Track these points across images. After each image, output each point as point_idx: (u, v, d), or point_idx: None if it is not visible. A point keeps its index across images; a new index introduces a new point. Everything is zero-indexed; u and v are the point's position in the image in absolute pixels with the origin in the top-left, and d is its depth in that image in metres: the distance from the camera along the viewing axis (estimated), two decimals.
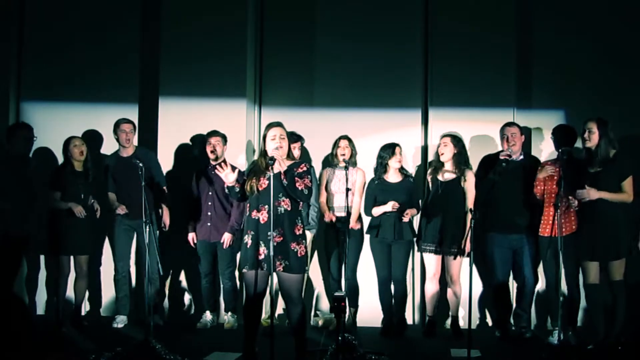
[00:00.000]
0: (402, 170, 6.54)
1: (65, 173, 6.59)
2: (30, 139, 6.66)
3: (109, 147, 7.11)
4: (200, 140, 6.97)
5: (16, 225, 6.40)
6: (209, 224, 6.65)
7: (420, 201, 6.58)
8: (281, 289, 5.17)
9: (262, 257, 5.05)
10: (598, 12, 7.02)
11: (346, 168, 5.91)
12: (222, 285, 6.74)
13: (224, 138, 6.72)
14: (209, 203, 6.65)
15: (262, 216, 5.08)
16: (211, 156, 6.67)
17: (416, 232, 6.48)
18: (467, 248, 6.06)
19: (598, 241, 5.66)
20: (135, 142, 6.86)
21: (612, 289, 5.71)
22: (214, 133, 6.69)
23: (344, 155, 6.50)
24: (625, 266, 5.71)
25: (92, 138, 7.15)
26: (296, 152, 6.45)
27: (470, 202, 6.33)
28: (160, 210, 6.82)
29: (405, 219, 6.29)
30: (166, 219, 6.81)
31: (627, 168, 5.71)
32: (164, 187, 6.80)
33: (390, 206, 6.32)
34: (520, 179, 6.25)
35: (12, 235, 6.38)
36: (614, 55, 6.97)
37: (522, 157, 6.38)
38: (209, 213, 6.65)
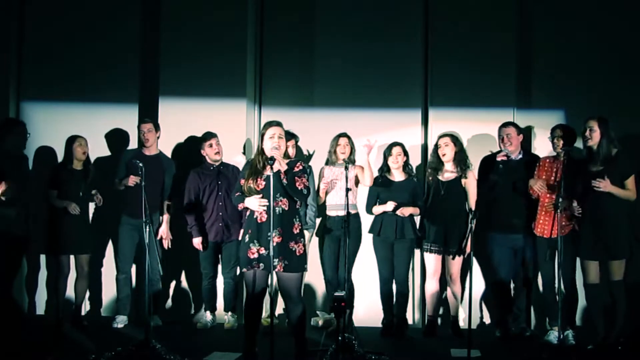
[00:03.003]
0: (406, 169, 6.53)
1: (64, 171, 6.58)
2: (24, 135, 6.62)
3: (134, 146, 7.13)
4: (196, 142, 6.95)
5: (17, 225, 6.38)
6: (220, 224, 6.62)
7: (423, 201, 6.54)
8: (280, 289, 5.19)
9: (255, 255, 5.06)
10: (598, 12, 7.02)
11: (346, 168, 5.90)
12: (223, 285, 6.73)
13: (218, 137, 6.73)
14: (220, 203, 6.62)
15: (260, 216, 5.09)
16: (216, 157, 6.67)
17: (418, 231, 6.46)
18: (468, 248, 6.07)
19: (598, 240, 5.66)
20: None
21: (611, 289, 5.70)
22: (212, 134, 6.69)
23: (344, 153, 6.47)
24: (625, 266, 5.70)
25: (119, 137, 7.22)
26: (291, 150, 6.45)
27: (471, 201, 6.35)
28: (161, 218, 6.78)
29: (403, 212, 6.28)
30: (165, 232, 6.77)
31: (629, 167, 5.71)
32: (166, 201, 6.81)
33: (390, 206, 6.32)
34: (519, 177, 6.25)
35: (13, 235, 6.36)
36: (614, 55, 6.97)
37: (520, 156, 6.38)
38: (220, 213, 6.62)
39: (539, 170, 6.11)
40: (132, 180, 6.53)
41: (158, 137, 6.86)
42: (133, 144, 7.18)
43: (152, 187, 6.35)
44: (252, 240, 5.09)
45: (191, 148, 7.08)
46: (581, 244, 5.77)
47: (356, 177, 6.46)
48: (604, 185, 5.59)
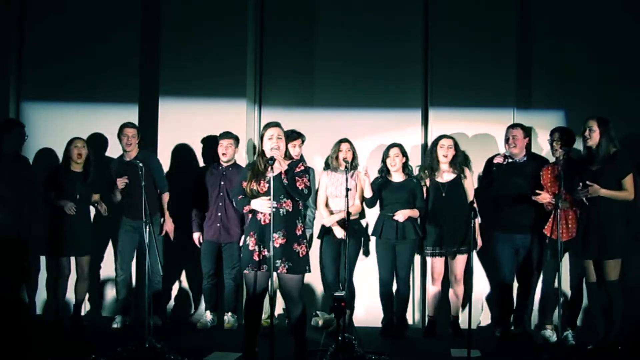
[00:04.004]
0: (405, 170, 6.52)
1: (62, 173, 6.57)
2: (22, 136, 6.61)
3: (113, 149, 7.10)
4: (208, 140, 6.96)
5: (14, 227, 6.37)
6: (218, 224, 6.63)
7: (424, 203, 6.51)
8: (282, 289, 5.20)
9: (260, 258, 5.05)
10: (598, 13, 7.02)
11: (347, 169, 5.89)
12: (225, 285, 6.73)
13: (237, 140, 6.73)
14: (220, 203, 6.63)
15: (264, 217, 5.08)
16: (223, 158, 6.68)
17: (420, 232, 6.41)
18: (479, 242, 6.19)
19: (595, 240, 5.65)
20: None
21: (607, 289, 5.69)
22: (227, 135, 6.69)
23: (346, 159, 6.42)
24: (621, 266, 5.69)
25: (98, 141, 7.18)
26: (297, 150, 6.44)
27: (471, 199, 6.34)
28: (162, 218, 6.77)
29: (397, 218, 6.28)
30: (169, 225, 6.78)
31: (627, 166, 5.70)
32: (166, 192, 6.79)
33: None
34: (523, 179, 6.25)
35: (11, 240, 6.35)
36: (614, 56, 6.97)
37: (525, 157, 6.38)
38: (219, 213, 6.64)
39: (543, 179, 6.10)
40: (120, 182, 6.52)
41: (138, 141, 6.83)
42: (112, 148, 7.13)
43: (139, 192, 6.25)
44: (258, 243, 5.08)
45: (191, 148, 7.09)
46: (579, 244, 5.77)
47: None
48: (593, 191, 5.58)
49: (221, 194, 6.65)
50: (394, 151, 6.45)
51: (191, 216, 6.80)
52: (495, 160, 6.19)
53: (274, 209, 5.01)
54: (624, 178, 5.66)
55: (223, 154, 6.67)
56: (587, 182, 5.58)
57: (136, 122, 6.99)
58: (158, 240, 6.61)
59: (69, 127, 7.00)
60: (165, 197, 6.80)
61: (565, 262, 6.13)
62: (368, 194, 6.37)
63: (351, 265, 6.35)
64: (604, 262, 5.64)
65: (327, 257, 6.51)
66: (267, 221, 5.02)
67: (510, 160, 6.25)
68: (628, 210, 5.78)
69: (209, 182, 6.71)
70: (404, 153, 6.50)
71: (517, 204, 6.23)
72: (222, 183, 6.65)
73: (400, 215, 6.30)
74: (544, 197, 5.95)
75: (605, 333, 5.69)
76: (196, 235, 6.74)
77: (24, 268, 6.70)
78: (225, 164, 6.71)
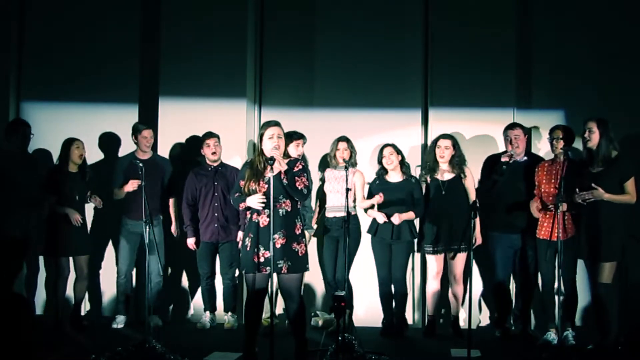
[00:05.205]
0: (403, 169, 6.52)
1: (61, 175, 6.57)
2: (28, 135, 6.64)
3: (125, 149, 7.12)
4: (195, 142, 6.95)
5: (16, 224, 6.38)
6: (216, 224, 6.62)
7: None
8: (281, 288, 5.19)
9: (262, 259, 5.05)
10: (598, 12, 7.02)
11: (346, 168, 5.90)
12: (222, 286, 6.73)
13: (219, 138, 6.73)
14: (216, 204, 6.62)
15: (262, 220, 5.08)
16: (212, 157, 6.67)
17: (416, 233, 6.46)
18: (479, 240, 6.23)
19: (592, 241, 5.64)
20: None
21: (599, 292, 5.66)
22: (211, 134, 6.69)
23: (343, 157, 6.46)
24: (615, 270, 5.66)
25: (111, 140, 7.22)
26: (299, 150, 6.45)
27: (472, 199, 6.33)
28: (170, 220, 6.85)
29: (393, 220, 6.29)
30: (174, 227, 6.87)
31: (629, 169, 5.69)
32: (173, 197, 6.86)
33: (375, 200, 6.30)
34: (523, 179, 6.25)
35: (13, 236, 6.36)
36: (614, 55, 6.96)
37: (525, 157, 6.38)
38: (216, 214, 6.62)
39: (538, 175, 6.10)
40: (133, 184, 6.51)
41: None
42: (125, 147, 7.15)
43: (151, 190, 6.38)
44: (258, 244, 5.07)
45: (191, 148, 7.09)
46: (579, 245, 5.77)
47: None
48: (597, 195, 5.57)
49: (216, 194, 6.63)
50: (388, 150, 6.46)
51: (183, 221, 6.76)
52: (504, 158, 6.17)
53: (263, 204, 5.01)
54: (627, 181, 5.65)
55: (213, 153, 6.66)
56: (593, 185, 5.58)
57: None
58: (160, 241, 6.62)
59: (69, 127, 7.00)
60: (172, 201, 6.85)
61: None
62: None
63: (350, 263, 6.35)
64: (600, 264, 5.63)
65: (326, 256, 6.53)
66: (266, 223, 5.02)
67: (510, 159, 6.24)
68: (627, 212, 5.77)
69: (200, 184, 6.68)
70: (398, 151, 6.50)
71: (515, 204, 6.23)
72: (216, 183, 6.64)
73: (396, 218, 6.30)
74: (533, 204, 5.98)
75: (605, 333, 5.68)
76: (192, 241, 6.70)
77: (21, 265, 6.69)
78: (214, 164, 6.70)
